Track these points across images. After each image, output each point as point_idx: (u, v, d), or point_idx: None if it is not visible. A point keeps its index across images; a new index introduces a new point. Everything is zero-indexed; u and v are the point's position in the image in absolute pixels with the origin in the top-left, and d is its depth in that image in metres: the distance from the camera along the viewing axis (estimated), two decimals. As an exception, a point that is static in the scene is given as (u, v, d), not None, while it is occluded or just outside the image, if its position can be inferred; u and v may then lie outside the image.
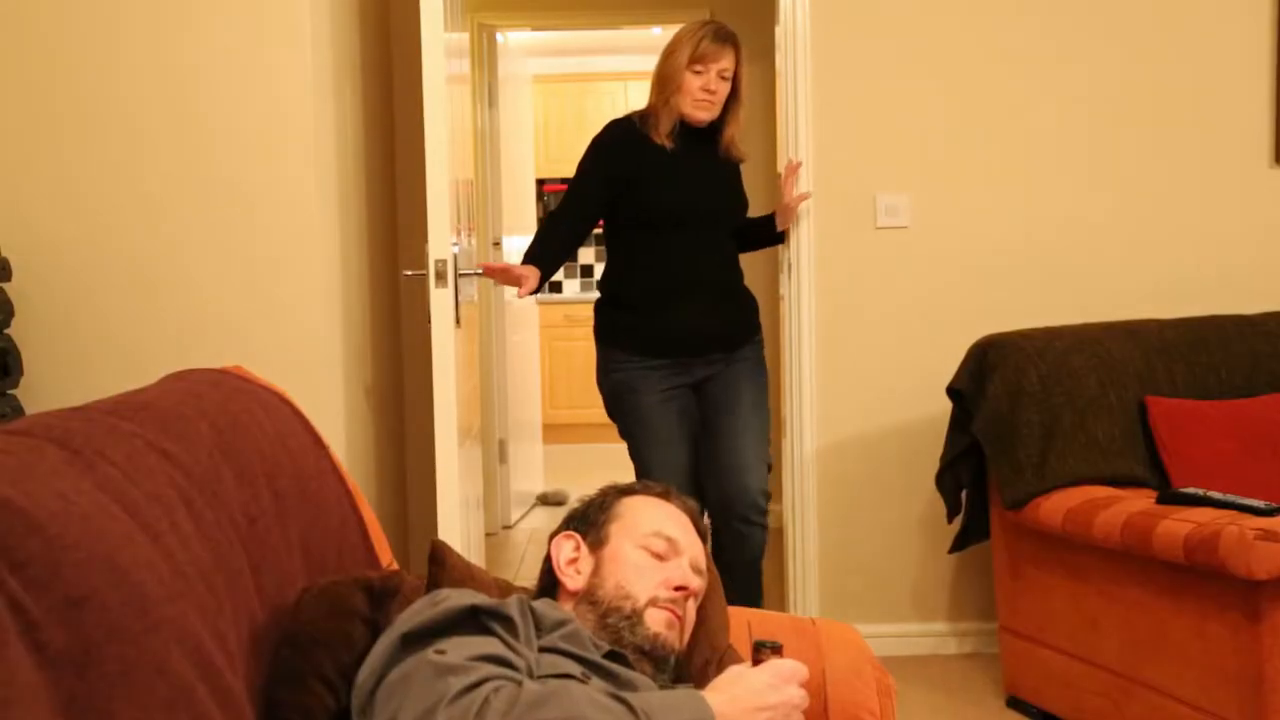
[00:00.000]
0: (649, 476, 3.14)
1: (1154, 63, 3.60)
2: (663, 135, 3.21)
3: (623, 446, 3.32)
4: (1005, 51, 3.59)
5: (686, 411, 3.27)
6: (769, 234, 3.55)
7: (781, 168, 3.65)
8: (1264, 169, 3.62)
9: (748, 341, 3.33)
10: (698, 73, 3.16)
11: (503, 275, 3.29)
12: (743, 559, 3.20)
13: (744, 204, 3.40)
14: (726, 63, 3.18)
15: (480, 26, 5.21)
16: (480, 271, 3.31)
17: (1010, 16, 3.58)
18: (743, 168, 3.38)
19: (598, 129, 3.36)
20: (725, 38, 3.18)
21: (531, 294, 3.16)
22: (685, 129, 3.23)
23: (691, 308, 3.23)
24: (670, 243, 3.22)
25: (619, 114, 3.43)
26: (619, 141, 3.27)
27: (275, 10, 3.01)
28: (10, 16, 3.00)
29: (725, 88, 3.19)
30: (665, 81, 3.21)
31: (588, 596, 1.62)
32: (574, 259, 8.54)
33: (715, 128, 3.26)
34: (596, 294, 3.40)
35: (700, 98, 3.18)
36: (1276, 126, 3.60)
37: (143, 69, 3.01)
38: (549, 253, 3.25)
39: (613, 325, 3.33)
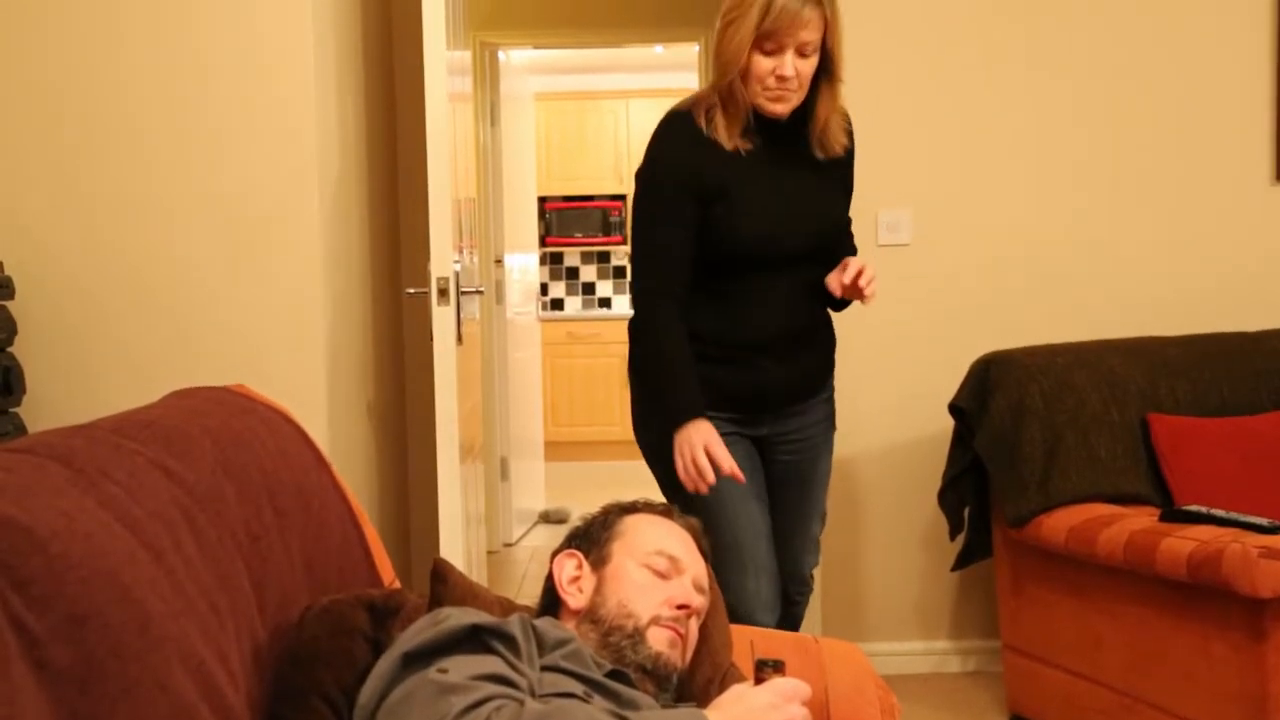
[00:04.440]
0: (733, 536, 2.42)
1: (1155, 81, 3.61)
2: (732, 138, 2.38)
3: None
4: (1007, 69, 3.60)
5: (751, 457, 2.55)
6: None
7: None
8: (1265, 187, 3.63)
9: (824, 386, 2.67)
10: (769, 53, 2.30)
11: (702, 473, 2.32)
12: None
13: (845, 223, 2.66)
14: (809, 33, 2.28)
15: (482, 45, 5.23)
16: (481, 290, 3.13)
17: (1012, 34, 3.59)
18: None
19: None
20: None
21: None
22: (761, 120, 2.40)
23: (767, 363, 2.49)
24: (746, 287, 2.45)
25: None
26: (685, 143, 2.40)
27: (278, 26, 3.02)
28: (10, 24, 3.01)
29: (810, 66, 2.33)
30: (725, 65, 2.33)
31: (590, 615, 1.62)
32: (586, 287, 8.57)
33: (801, 113, 2.43)
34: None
35: (773, 87, 2.33)
36: (1277, 145, 3.60)
37: (145, 88, 3.02)
38: (684, 355, 2.39)
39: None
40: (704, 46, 5.18)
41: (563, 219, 8.30)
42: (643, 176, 2.46)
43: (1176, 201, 3.63)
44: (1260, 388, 3.26)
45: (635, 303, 2.46)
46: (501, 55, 5.42)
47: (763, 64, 2.30)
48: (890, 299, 3.60)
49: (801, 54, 2.30)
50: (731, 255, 2.42)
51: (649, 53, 7.05)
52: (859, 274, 2.40)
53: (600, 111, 8.15)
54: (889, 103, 3.58)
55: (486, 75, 5.29)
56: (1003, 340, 3.42)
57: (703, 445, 2.28)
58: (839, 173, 2.57)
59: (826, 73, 2.38)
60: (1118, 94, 3.60)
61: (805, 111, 2.42)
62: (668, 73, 7.71)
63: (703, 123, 2.39)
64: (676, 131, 2.42)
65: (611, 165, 8.18)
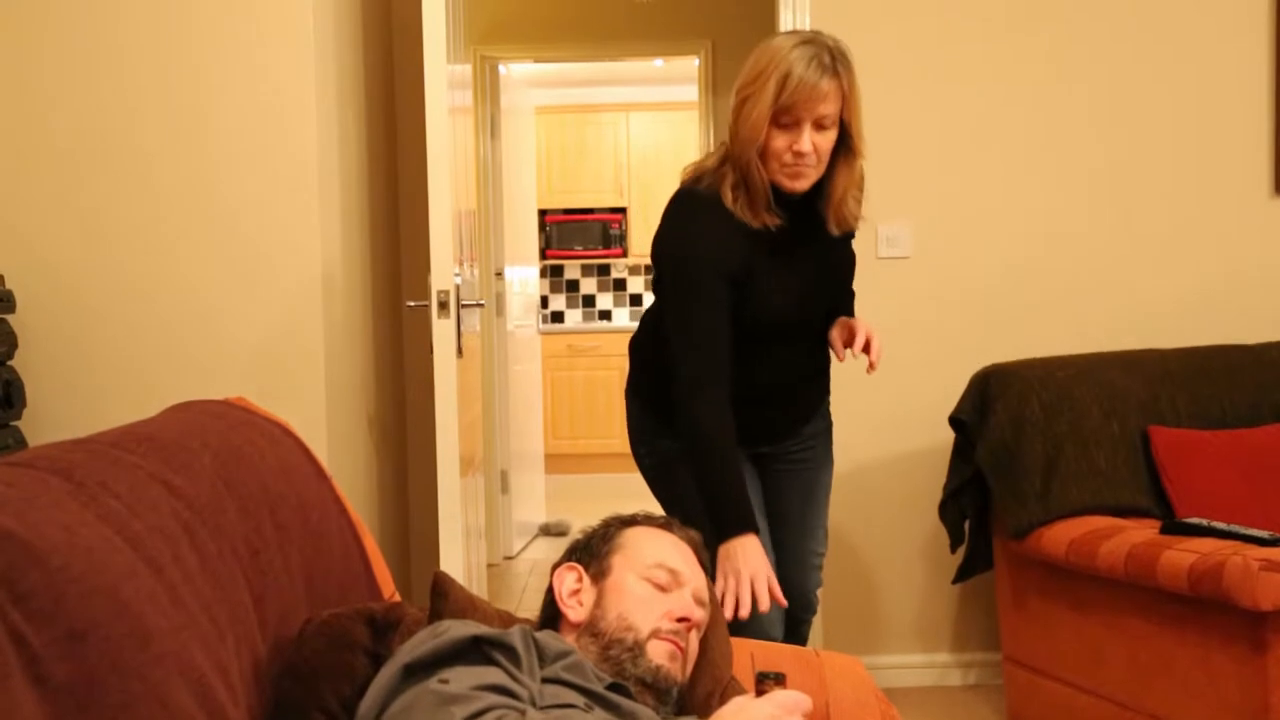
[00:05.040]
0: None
1: (1154, 94, 3.61)
2: (757, 216, 2.30)
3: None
4: (1006, 82, 3.60)
5: (752, 476, 2.54)
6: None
7: None
8: (1264, 199, 3.63)
9: (821, 404, 2.67)
10: (785, 126, 2.22)
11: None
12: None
13: (852, 292, 2.66)
14: (827, 106, 2.20)
15: (483, 58, 5.24)
16: (481, 303, 3.16)
17: (1010, 47, 3.60)
18: None
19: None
20: (825, 67, 2.19)
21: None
22: (780, 195, 2.31)
23: (769, 410, 2.51)
24: (754, 351, 2.39)
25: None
26: (719, 228, 2.31)
27: (280, 42, 3.03)
28: (12, 40, 3.02)
29: (828, 140, 2.25)
30: (743, 142, 2.24)
31: (590, 628, 1.62)
32: (583, 298, 8.58)
33: (818, 185, 2.34)
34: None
35: (790, 163, 2.25)
36: (1275, 157, 3.61)
37: (147, 103, 3.03)
38: (736, 460, 2.31)
39: (662, 411, 2.49)
40: (704, 60, 5.20)
41: (563, 232, 8.30)
42: (676, 260, 2.35)
43: (1177, 214, 3.64)
44: (1261, 400, 3.26)
45: (682, 392, 2.31)
46: (502, 69, 5.43)
47: (779, 139, 2.22)
48: (890, 312, 3.60)
49: (819, 128, 2.23)
50: (750, 331, 2.36)
51: (649, 66, 7.07)
52: (867, 343, 2.40)
53: (600, 124, 8.16)
54: (888, 116, 3.59)
55: (487, 89, 5.30)
56: (1003, 353, 3.42)
57: (750, 577, 2.16)
58: (849, 239, 2.53)
59: (844, 146, 2.30)
60: (1117, 107, 3.61)
61: (821, 184, 2.34)
62: (668, 86, 7.73)
63: (730, 203, 2.30)
64: (708, 214, 2.32)
65: (612, 178, 8.19)
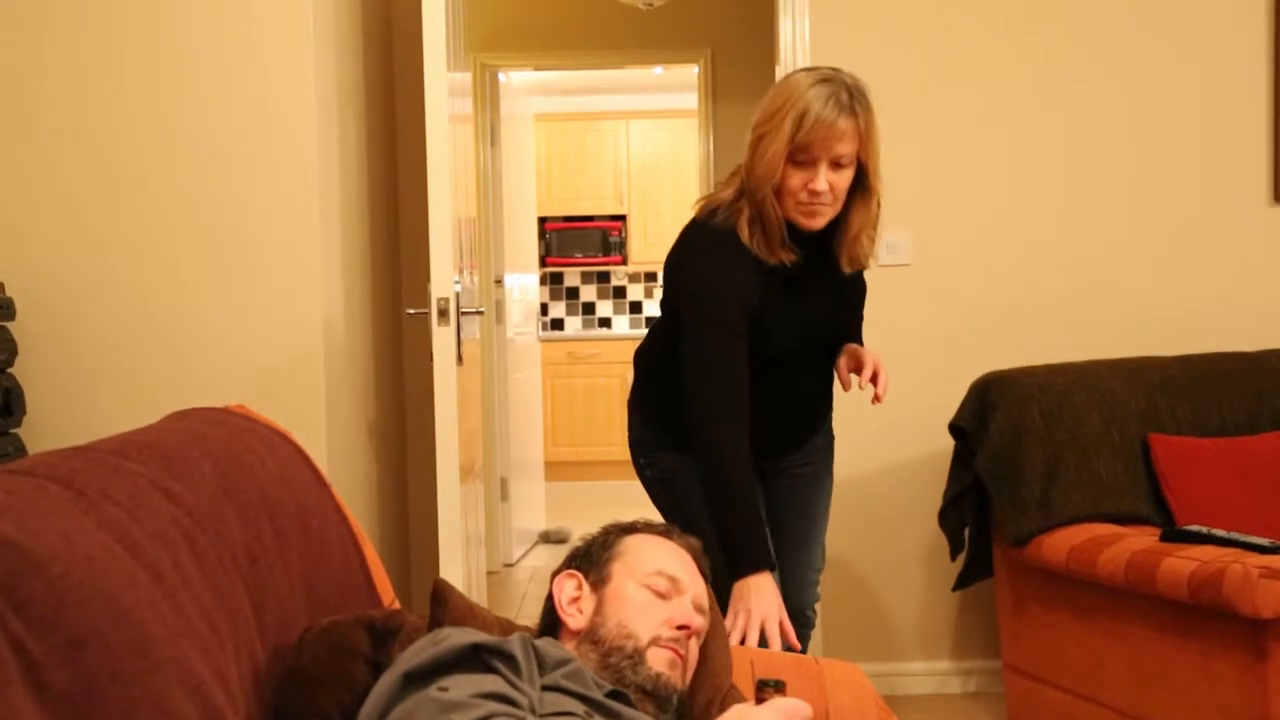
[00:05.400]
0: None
1: (1153, 102, 3.62)
2: (773, 252, 2.28)
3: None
4: (1006, 91, 3.61)
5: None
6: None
7: None
8: (1263, 207, 3.64)
9: (825, 419, 2.69)
10: (800, 164, 2.20)
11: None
12: None
13: (861, 318, 2.65)
14: (844, 145, 2.18)
15: (483, 66, 5.25)
16: (481, 311, 3.13)
17: (1010, 55, 3.61)
18: None
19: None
20: (843, 106, 2.17)
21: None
22: (794, 230, 2.30)
23: (773, 433, 2.48)
24: (766, 378, 2.37)
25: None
26: (737, 265, 2.29)
27: (279, 48, 3.03)
28: (11, 48, 3.03)
29: (845, 179, 2.23)
30: (759, 180, 2.23)
31: (590, 635, 1.62)
32: (585, 307, 8.58)
33: (832, 222, 2.32)
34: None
35: (805, 201, 2.23)
36: (1274, 165, 3.61)
37: (146, 110, 3.04)
38: (754, 498, 2.31)
39: (665, 424, 2.54)
40: (703, 68, 5.20)
41: (563, 239, 8.31)
42: (695, 296, 2.32)
43: (1176, 222, 3.64)
44: (1260, 408, 3.26)
45: (700, 426, 2.29)
46: (502, 77, 5.44)
47: (795, 177, 2.20)
48: (890, 319, 3.60)
49: (836, 166, 2.20)
50: (760, 360, 2.34)
51: (649, 74, 7.08)
52: (874, 376, 2.42)
53: (600, 132, 8.18)
54: (889, 124, 3.55)
55: (487, 96, 5.31)
56: (1002, 360, 3.42)
57: (761, 618, 2.15)
58: (860, 287, 2.54)
59: (861, 185, 2.28)
60: (1116, 115, 3.62)
61: (836, 220, 2.31)
62: (667, 94, 7.74)
63: (746, 239, 2.28)
64: (726, 250, 2.29)
65: (611, 186, 8.20)
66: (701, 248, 2.35)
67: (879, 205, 2.36)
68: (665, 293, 2.50)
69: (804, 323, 2.40)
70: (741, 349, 2.28)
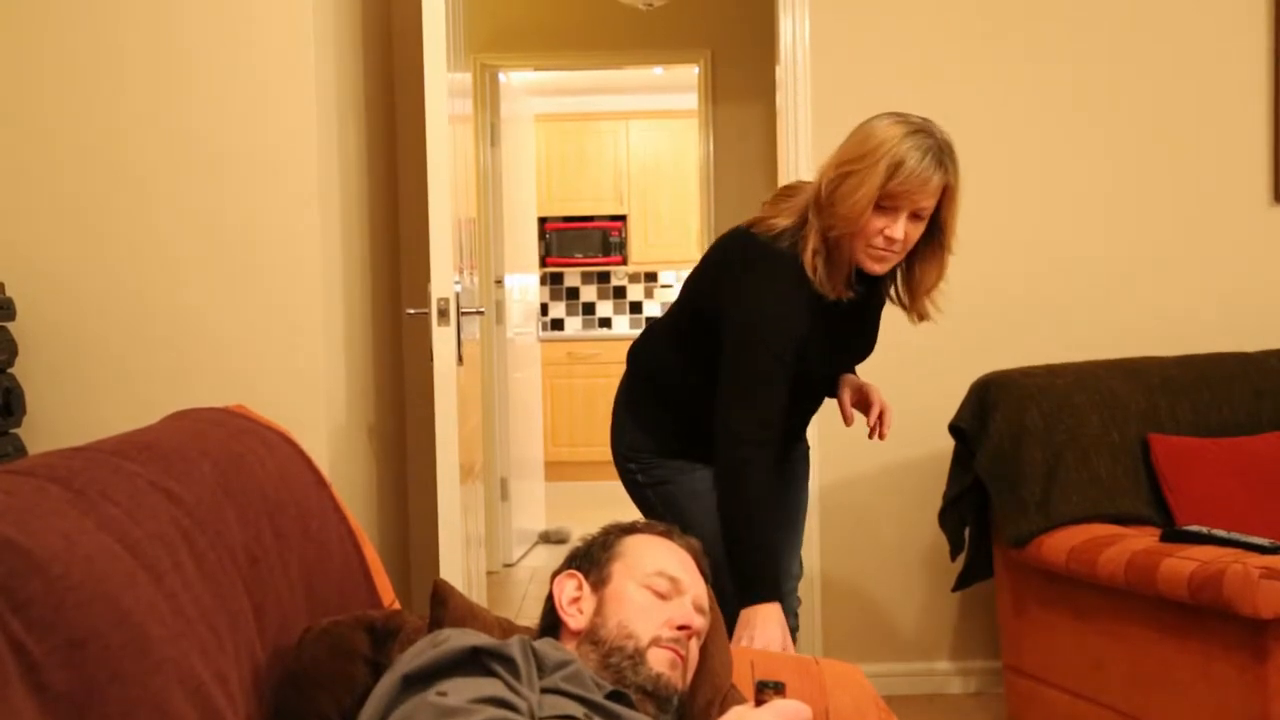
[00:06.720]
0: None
1: (1153, 102, 3.62)
2: (835, 289, 2.28)
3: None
4: (1006, 93, 3.61)
5: None
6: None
7: None
8: (1263, 208, 3.64)
9: (803, 433, 2.71)
10: (883, 210, 2.19)
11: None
12: None
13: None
14: (930, 199, 2.19)
15: (483, 67, 5.25)
16: (481, 311, 3.14)
17: (1010, 55, 3.61)
18: None
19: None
20: (939, 160, 2.18)
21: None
22: (858, 271, 2.32)
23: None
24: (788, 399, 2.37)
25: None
26: (802, 297, 2.29)
27: (279, 48, 3.03)
28: (10, 51, 3.03)
29: (918, 230, 2.24)
30: (840, 219, 2.21)
31: (590, 636, 1.62)
32: (585, 307, 8.59)
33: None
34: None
35: (880, 246, 2.23)
36: (1275, 165, 3.61)
37: (145, 111, 3.04)
38: (775, 524, 2.35)
39: (659, 426, 2.62)
40: (703, 68, 5.20)
41: (563, 239, 8.31)
42: (753, 314, 2.30)
43: (1176, 222, 3.64)
44: (1260, 408, 3.26)
45: (729, 444, 2.29)
46: (502, 77, 5.44)
47: (876, 221, 2.19)
48: (889, 320, 3.59)
49: (915, 218, 2.21)
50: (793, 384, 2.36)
51: (649, 74, 7.07)
52: (880, 417, 2.46)
53: (600, 133, 8.18)
54: (888, 124, 3.59)
55: (487, 97, 5.31)
56: (1002, 361, 3.42)
57: (764, 648, 2.16)
58: (880, 311, 2.54)
59: (934, 240, 2.29)
60: (1116, 116, 3.62)
61: (894, 268, 2.33)
62: (667, 94, 7.73)
63: (810, 270, 2.27)
64: (790, 278, 2.28)
65: (611, 186, 8.20)
66: (768, 272, 2.31)
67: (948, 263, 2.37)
68: (695, 297, 2.47)
69: (835, 351, 2.43)
70: (788, 379, 2.29)
